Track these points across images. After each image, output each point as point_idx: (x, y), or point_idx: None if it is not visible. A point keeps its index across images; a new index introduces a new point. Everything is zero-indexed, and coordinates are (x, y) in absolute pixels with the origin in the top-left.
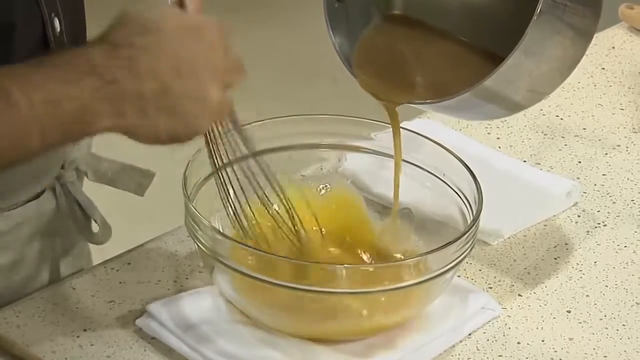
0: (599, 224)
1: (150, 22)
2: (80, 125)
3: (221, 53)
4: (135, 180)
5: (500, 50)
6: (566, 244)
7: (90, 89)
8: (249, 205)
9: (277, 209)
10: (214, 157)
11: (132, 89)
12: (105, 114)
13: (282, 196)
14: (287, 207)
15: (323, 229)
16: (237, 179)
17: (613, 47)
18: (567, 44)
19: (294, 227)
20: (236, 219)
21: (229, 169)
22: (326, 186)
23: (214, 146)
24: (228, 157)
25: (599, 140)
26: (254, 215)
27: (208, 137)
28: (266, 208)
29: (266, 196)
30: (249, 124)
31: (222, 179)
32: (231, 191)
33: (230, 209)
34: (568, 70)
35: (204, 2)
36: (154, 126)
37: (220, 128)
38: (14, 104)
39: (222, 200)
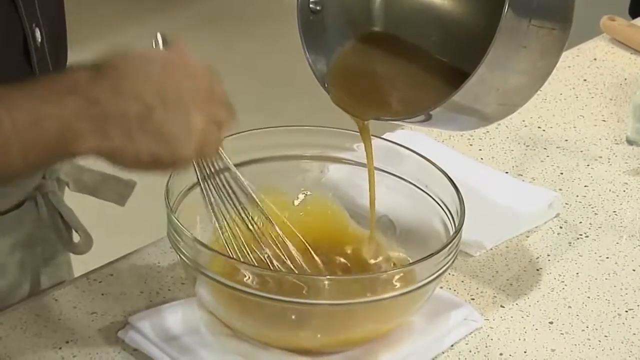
0: (580, 235)
1: (137, 53)
2: (62, 145)
3: (206, 88)
4: (117, 191)
5: (471, 66)
6: (548, 255)
7: (72, 108)
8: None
9: (258, 221)
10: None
11: (115, 110)
12: (88, 133)
13: (263, 209)
14: (269, 218)
15: (306, 241)
16: (222, 190)
17: (595, 59)
18: (535, 58)
19: (277, 240)
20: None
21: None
22: (309, 197)
23: (204, 183)
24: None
25: (581, 151)
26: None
27: (198, 174)
28: (247, 220)
29: (246, 209)
30: (230, 135)
31: (207, 189)
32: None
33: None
34: (539, 82)
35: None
36: (136, 148)
37: (211, 167)
38: None
39: (210, 209)
